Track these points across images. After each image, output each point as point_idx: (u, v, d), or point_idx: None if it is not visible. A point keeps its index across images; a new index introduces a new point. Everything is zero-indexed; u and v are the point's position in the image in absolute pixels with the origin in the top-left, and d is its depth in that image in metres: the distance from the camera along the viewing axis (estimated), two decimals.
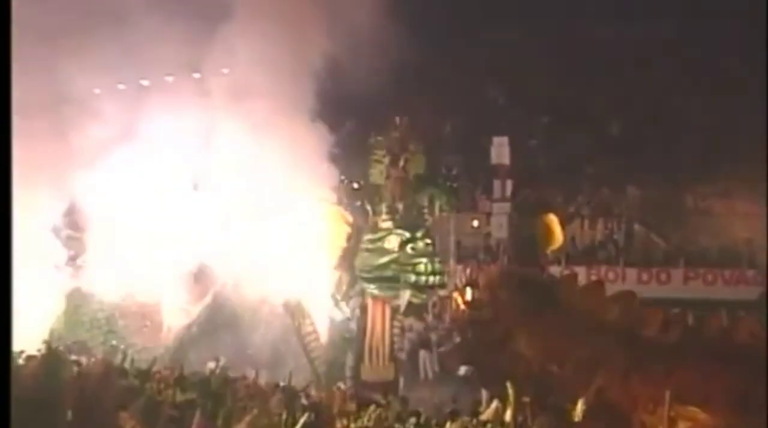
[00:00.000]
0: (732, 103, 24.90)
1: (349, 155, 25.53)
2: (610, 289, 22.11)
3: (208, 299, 25.98)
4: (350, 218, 23.34)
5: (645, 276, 24.21)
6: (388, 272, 22.37)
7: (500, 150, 25.98)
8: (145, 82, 26.73)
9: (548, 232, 24.31)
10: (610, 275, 23.87)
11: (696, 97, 25.46)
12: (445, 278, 21.34)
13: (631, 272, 24.26)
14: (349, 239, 23.09)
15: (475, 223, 26.53)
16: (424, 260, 21.99)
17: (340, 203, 24.01)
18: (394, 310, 22.04)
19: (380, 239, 22.73)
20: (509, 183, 26.03)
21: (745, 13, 25.76)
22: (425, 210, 23.45)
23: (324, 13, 23.62)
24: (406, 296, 21.80)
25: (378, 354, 22.96)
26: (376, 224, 22.90)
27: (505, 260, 24.92)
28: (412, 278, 21.93)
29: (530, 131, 25.67)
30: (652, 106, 25.03)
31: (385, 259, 22.57)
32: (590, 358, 19.35)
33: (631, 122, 25.38)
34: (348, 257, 23.05)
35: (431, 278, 21.61)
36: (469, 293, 19.93)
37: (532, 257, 24.82)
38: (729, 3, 26.39)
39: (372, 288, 22.41)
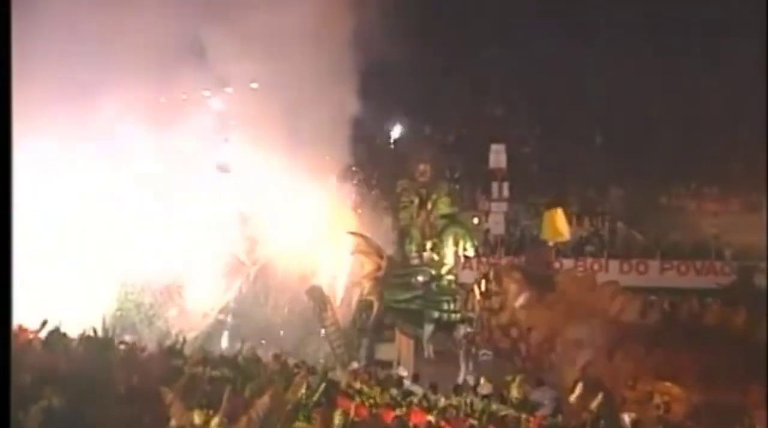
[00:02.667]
0: (701, 115, 24.75)
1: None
2: (597, 279, 22.27)
3: (238, 287, 26.09)
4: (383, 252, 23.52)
5: (626, 267, 24.24)
6: (414, 306, 22.57)
7: (498, 156, 26.02)
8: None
9: (555, 225, 24.24)
10: (596, 267, 23.95)
11: (669, 110, 25.23)
12: (466, 314, 21.20)
13: (614, 264, 24.29)
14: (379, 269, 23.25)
15: (476, 220, 26.45)
16: (447, 297, 22.11)
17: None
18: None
19: (408, 274, 22.87)
20: (506, 185, 26.04)
21: (721, 25, 25.57)
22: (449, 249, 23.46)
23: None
24: (430, 329, 21.89)
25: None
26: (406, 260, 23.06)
27: (501, 253, 24.86)
28: (435, 314, 22.08)
29: (524, 140, 25.44)
30: (632, 118, 24.87)
31: (410, 294, 22.79)
32: (579, 340, 19.44)
33: (612, 131, 25.27)
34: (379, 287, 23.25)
35: (453, 316, 21.65)
36: (483, 285, 20.01)
37: (527, 250, 24.87)
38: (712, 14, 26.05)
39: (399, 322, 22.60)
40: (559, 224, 24.14)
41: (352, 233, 24.08)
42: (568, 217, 25.37)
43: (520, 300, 20.37)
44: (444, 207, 23.98)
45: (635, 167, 25.12)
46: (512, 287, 20.59)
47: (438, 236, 23.52)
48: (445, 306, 22.14)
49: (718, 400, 14.37)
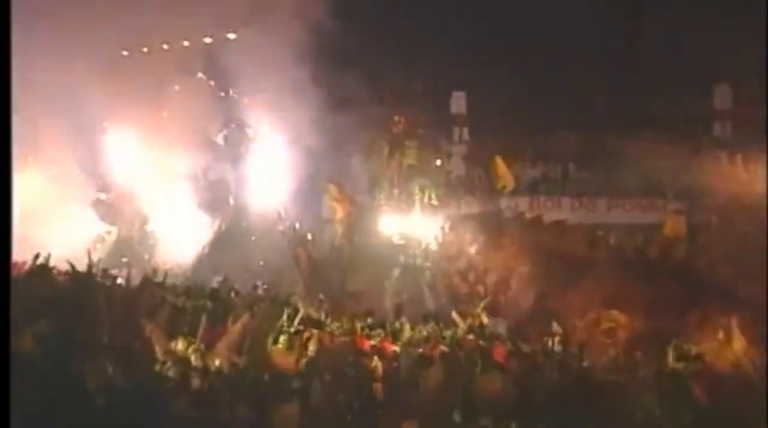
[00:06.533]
0: (647, 65, 24.70)
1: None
2: (548, 218, 22.49)
3: (218, 225, 26.08)
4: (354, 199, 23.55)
5: (576, 205, 24.30)
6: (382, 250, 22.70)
7: (458, 102, 25.97)
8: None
9: (497, 173, 24.39)
10: (549, 205, 23.91)
11: (618, 60, 25.14)
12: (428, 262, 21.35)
13: (566, 202, 24.34)
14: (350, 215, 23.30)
15: (438, 162, 26.44)
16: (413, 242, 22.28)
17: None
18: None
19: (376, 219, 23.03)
20: (466, 130, 26.02)
21: None
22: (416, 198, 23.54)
23: None
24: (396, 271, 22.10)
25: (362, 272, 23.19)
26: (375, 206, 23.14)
27: (461, 192, 24.88)
28: (402, 258, 22.23)
29: (484, 87, 25.30)
30: (582, 67, 24.77)
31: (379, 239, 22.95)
32: (532, 275, 19.66)
33: (564, 79, 25.14)
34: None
35: (418, 260, 21.78)
36: (440, 237, 20.08)
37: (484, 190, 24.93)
38: None
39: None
40: (499, 171, 24.36)
41: (326, 181, 24.14)
42: (522, 160, 25.50)
43: (475, 246, 20.67)
44: (411, 158, 24.06)
45: (585, 112, 25.07)
46: (467, 236, 20.88)
47: (405, 186, 23.69)
48: (410, 251, 22.35)
49: (659, 325, 14.63)
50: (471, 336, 13.44)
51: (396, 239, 23.23)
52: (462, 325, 14.23)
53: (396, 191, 23.84)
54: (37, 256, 15.71)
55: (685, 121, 24.53)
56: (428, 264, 21.93)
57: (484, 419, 7.88)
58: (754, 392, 8.69)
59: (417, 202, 23.90)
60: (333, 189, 24.08)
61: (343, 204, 23.99)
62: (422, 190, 24.25)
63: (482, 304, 15.73)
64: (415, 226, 23.21)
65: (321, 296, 19.85)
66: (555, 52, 25.50)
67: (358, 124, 24.32)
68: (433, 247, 21.61)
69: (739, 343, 11.54)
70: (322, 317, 15.01)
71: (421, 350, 11.98)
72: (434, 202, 24.21)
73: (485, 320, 14.71)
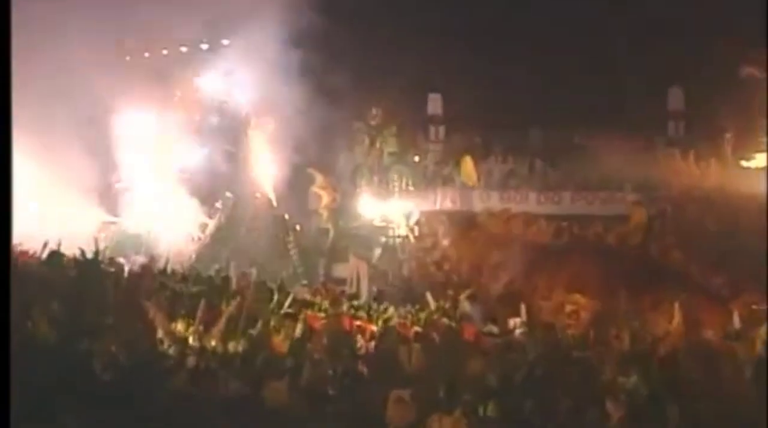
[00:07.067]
0: (610, 67, 24.78)
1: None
2: (516, 209, 22.62)
3: (217, 217, 26.13)
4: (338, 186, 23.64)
5: (543, 198, 24.36)
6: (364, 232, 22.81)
7: (435, 103, 26.08)
8: None
9: (466, 170, 24.53)
10: (517, 198, 23.98)
11: (582, 62, 25.17)
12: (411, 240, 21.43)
13: (533, 195, 24.36)
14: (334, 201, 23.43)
15: (416, 158, 26.49)
16: (393, 224, 22.38)
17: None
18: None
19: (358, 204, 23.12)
20: (441, 128, 26.12)
21: None
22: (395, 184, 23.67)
23: None
24: (378, 251, 22.24)
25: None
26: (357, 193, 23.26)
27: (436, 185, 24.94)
28: (383, 240, 22.36)
29: (458, 89, 25.33)
30: (551, 70, 24.83)
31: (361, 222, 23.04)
32: (502, 263, 19.79)
33: (533, 81, 25.20)
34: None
35: (397, 240, 21.87)
36: (417, 230, 20.16)
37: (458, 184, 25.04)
38: None
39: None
40: (468, 169, 24.52)
41: (311, 170, 24.21)
42: (493, 156, 25.60)
43: (449, 239, 20.82)
44: (391, 147, 24.13)
45: (552, 112, 25.16)
46: (440, 229, 21.03)
47: (385, 173, 23.76)
48: (391, 232, 22.46)
49: (617, 307, 14.76)
50: (444, 319, 13.51)
51: (377, 222, 23.42)
52: (432, 306, 14.30)
53: (376, 178, 24.00)
54: (45, 244, 15.65)
55: (642, 120, 24.70)
56: (407, 247, 22.07)
57: (465, 395, 7.94)
58: (695, 361, 9.01)
59: (396, 188, 24.11)
60: (318, 178, 24.29)
61: (328, 191, 24.19)
62: (400, 177, 24.44)
63: (466, 293, 15.86)
64: (394, 209, 23.42)
65: (304, 281, 20.00)
66: (525, 56, 25.60)
67: (341, 117, 24.38)
68: (409, 235, 21.74)
69: (677, 320, 11.79)
70: (309, 298, 15.08)
71: (399, 331, 12.08)
72: (411, 188, 24.41)
73: (467, 307, 14.80)
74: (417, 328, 12.37)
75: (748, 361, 9.52)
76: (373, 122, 24.81)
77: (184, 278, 16.43)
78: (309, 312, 12.67)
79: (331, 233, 24.24)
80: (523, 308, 14.05)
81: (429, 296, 15.34)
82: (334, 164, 25.73)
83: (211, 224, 26.04)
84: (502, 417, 7.38)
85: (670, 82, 25.23)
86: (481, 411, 7.51)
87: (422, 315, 14.06)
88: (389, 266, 22.64)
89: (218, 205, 26.48)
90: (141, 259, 21.41)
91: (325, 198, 24.40)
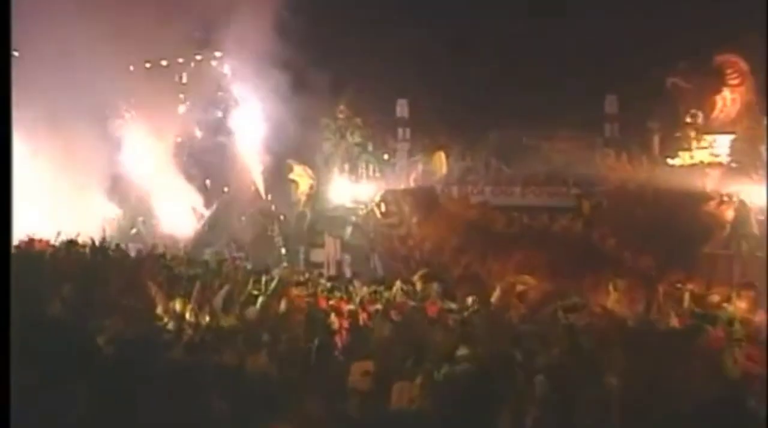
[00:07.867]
0: (554, 73, 25.02)
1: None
2: (473, 200, 22.71)
3: (214, 207, 26.19)
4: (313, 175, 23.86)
5: (497, 191, 24.40)
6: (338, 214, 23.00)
7: (402, 108, 26.21)
8: None
9: (438, 163, 24.67)
10: (474, 192, 24.01)
11: (533, 71, 25.38)
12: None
13: (488, 189, 24.43)
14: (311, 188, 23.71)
15: (386, 156, 26.58)
16: (361, 206, 22.53)
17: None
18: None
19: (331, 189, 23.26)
20: (408, 130, 26.27)
21: None
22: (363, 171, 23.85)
23: None
24: (349, 230, 22.40)
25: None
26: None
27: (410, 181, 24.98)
28: (353, 218, 22.53)
29: (424, 94, 25.46)
30: (505, 78, 25.02)
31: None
32: (461, 246, 19.88)
33: (489, 87, 25.41)
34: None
35: (369, 221, 22.01)
36: (383, 207, 20.17)
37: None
38: None
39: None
40: (440, 162, 24.76)
41: (289, 162, 24.56)
42: (454, 154, 25.72)
43: (414, 218, 20.86)
44: (357, 138, 24.42)
45: (505, 115, 25.36)
46: (407, 208, 21.07)
47: (353, 162, 24.07)
48: (360, 213, 22.61)
49: (562, 286, 14.92)
50: (405, 299, 13.49)
51: (348, 204, 23.69)
52: (397, 287, 14.18)
53: (347, 165, 24.30)
54: (59, 233, 15.61)
55: (583, 123, 25.07)
56: (374, 227, 22.16)
57: (427, 363, 8.04)
58: (625, 334, 9.26)
59: (363, 174, 24.51)
60: (296, 167, 24.73)
61: (305, 179, 24.64)
62: (367, 165, 24.78)
63: (420, 273, 15.84)
64: (362, 192, 23.64)
65: (285, 264, 20.08)
66: (484, 66, 25.89)
67: (315, 111, 24.54)
68: (378, 216, 21.73)
69: (613, 297, 11.97)
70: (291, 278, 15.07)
71: (369, 308, 12.17)
72: (377, 175, 24.77)
73: (419, 285, 14.76)
74: (379, 306, 12.46)
75: (672, 333, 9.75)
76: (341, 116, 25.11)
77: (182, 262, 16.49)
78: (290, 293, 12.67)
79: (309, 214, 24.71)
80: (478, 287, 14.17)
81: (398, 283, 15.38)
82: (312, 154, 25.86)
83: (208, 213, 26.13)
84: (454, 380, 7.46)
85: (607, 90, 25.57)
86: (436, 375, 7.62)
87: (385, 294, 14.05)
88: (359, 242, 23.00)
89: (215, 196, 26.57)
90: (143, 245, 21.39)
91: (303, 185, 24.90)
